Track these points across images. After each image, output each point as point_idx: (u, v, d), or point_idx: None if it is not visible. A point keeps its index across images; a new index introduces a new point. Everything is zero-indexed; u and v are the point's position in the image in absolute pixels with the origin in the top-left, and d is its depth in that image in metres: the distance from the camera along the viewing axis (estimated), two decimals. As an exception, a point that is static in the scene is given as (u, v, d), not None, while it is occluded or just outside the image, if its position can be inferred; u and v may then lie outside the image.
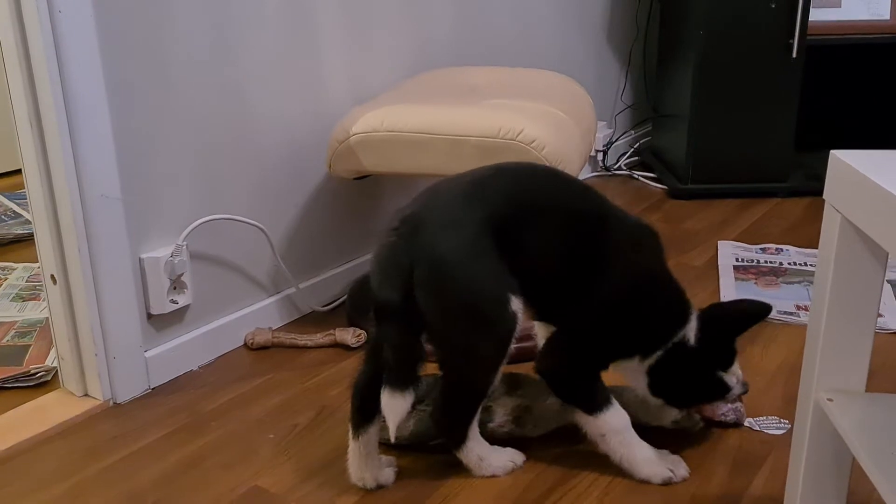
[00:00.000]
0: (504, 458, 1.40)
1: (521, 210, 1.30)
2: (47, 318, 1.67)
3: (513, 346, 1.30)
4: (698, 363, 1.38)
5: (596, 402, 1.35)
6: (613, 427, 1.36)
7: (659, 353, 1.36)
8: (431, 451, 1.43)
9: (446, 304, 1.26)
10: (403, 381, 1.25)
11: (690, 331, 1.37)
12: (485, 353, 1.29)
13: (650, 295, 1.35)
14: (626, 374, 1.41)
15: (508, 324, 1.27)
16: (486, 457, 1.39)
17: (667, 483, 1.37)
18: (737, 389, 1.42)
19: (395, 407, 1.25)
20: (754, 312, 1.40)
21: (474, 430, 1.37)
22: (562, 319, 1.37)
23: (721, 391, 1.41)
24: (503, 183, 1.32)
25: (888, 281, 2.10)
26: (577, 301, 1.33)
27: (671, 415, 1.47)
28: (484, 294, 1.26)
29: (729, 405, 1.51)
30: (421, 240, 1.25)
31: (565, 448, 1.46)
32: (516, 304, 1.28)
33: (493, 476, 1.39)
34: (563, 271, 1.32)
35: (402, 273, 1.24)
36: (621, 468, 1.38)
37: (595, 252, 1.32)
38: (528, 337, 1.74)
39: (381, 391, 1.26)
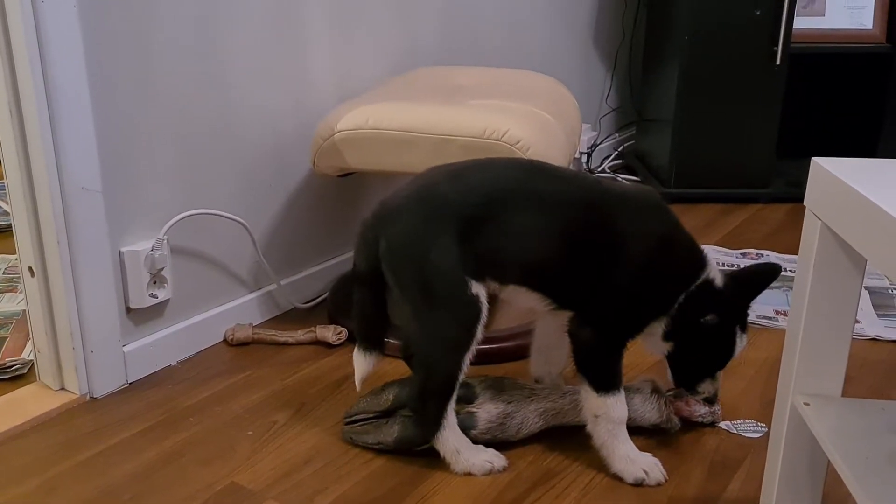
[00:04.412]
0: (482, 458, 1.40)
1: (499, 200, 1.32)
2: (24, 311, 1.65)
3: (480, 334, 1.33)
4: (723, 308, 1.38)
5: (608, 382, 1.36)
6: (610, 414, 1.36)
7: (683, 295, 1.37)
8: (415, 454, 1.43)
9: (402, 280, 1.34)
10: (366, 343, 1.43)
11: (715, 273, 1.38)
12: (447, 334, 1.33)
13: (668, 259, 1.36)
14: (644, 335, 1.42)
15: (469, 307, 1.32)
16: (463, 451, 1.39)
17: (638, 484, 1.37)
18: (710, 389, 1.45)
19: (358, 363, 1.44)
20: (769, 271, 1.42)
21: (451, 420, 1.38)
22: (585, 304, 1.37)
23: (729, 349, 1.41)
24: (483, 175, 1.36)
25: (866, 287, 2.12)
26: (597, 284, 1.34)
27: (651, 417, 1.48)
28: (436, 272, 1.31)
29: (706, 407, 1.52)
30: (387, 218, 1.35)
31: (545, 448, 1.46)
32: (476, 288, 1.32)
33: (470, 474, 1.39)
34: (570, 258, 1.34)
35: (369, 247, 1.36)
36: (599, 455, 1.40)
37: (603, 236, 1.34)
38: (510, 337, 1.75)
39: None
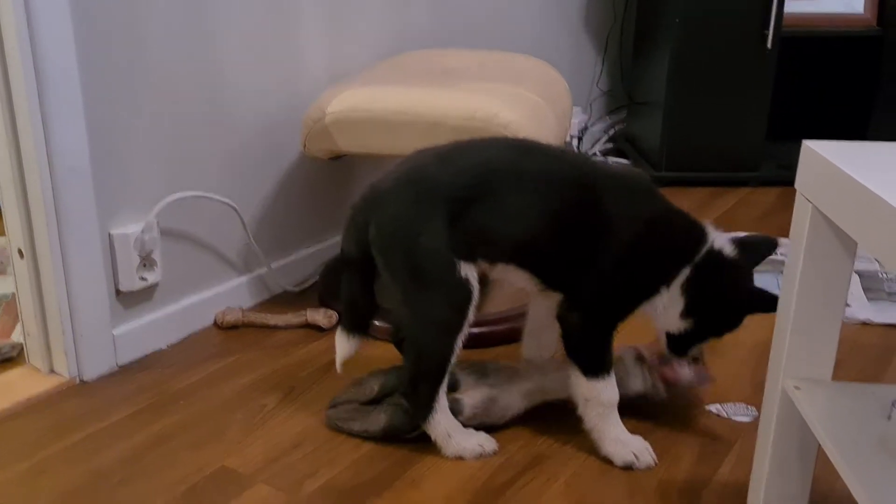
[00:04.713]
0: (473, 442, 1.40)
1: (489, 179, 1.32)
2: (14, 293, 1.64)
3: (472, 316, 1.33)
4: (740, 272, 1.40)
5: (597, 367, 1.36)
6: (599, 398, 1.37)
7: (686, 269, 1.37)
8: (404, 441, 1.43)
9: (393, 264, 1.34)
10: (350, 325, 1.43)
11: (722, 243, 1.39)
12: (438, 316, 1.33)
13: (656, 239, 1.36)
14: (655, 313, 1.41)
15: (459, 289, 1.32)
16: (454, 434, 1.39)
17: (628, 467, 1.38)
18: (697, 350, 1.47)
19: (340, 344, 1.44)
20: (770, 242, 1.48)
21: (442, 403, 1.37)
22: (574, 286, 1.37)
23: (740, 315, 1.42)
24: (472, 154, 1.36)
25: (856, 271, 2.12)
26: (584, 263, 1.34)
27: (635, 386, 1.47)
28: (427, 256, 1.31)
29: (691, 371, 1.50)
30: (376, 202, 1.35)
31: (535, 432, 1.47)
32: (466, 269, 1.32)
33: (460, 458, 1.39)
34: (556, 235, 1.33)
35: (359, 231, 1.36)
36: (589, 439, 1.40)
37: (590, 215, 1.34)
38: (501, 320, 1.75)
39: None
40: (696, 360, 1.50)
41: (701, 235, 1.39)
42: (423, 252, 1.31)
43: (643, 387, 1.48)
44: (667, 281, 1.37)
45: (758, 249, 1.45)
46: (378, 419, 1.43)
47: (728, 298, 1.39)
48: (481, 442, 1.41)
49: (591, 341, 1.37)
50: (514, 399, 1.45)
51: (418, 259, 1.32)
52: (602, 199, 1.34)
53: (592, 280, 1.35)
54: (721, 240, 1.40)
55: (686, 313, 1.39)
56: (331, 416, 1.49)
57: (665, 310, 1.39)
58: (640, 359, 1.50)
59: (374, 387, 1.44)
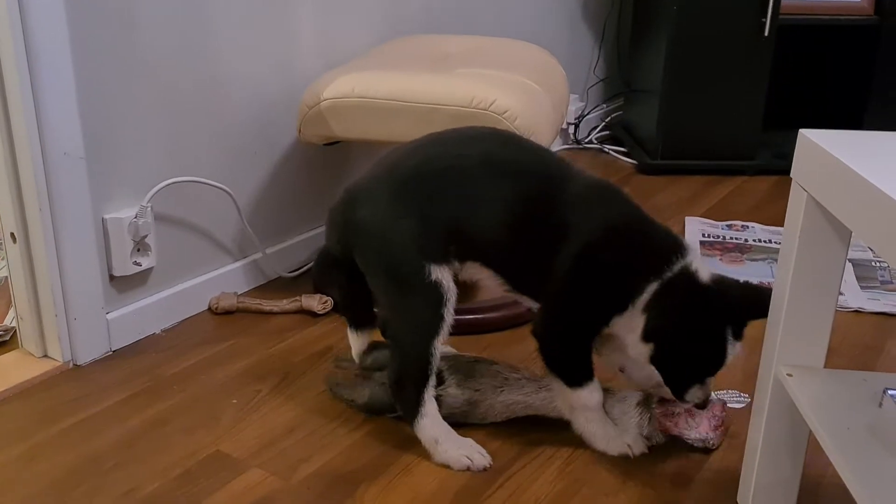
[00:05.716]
0: (461, 452, 1.36)
1: (456, 173, 1.31)
2: (6, 277, 1.64)
3: (449, 317, 1.31)
4: (708, 305, 1.26)
5: (577, 377, 1.34)
6: (584, 404, 1.35)
7: (653, 286, 1.26)
8: (400, 421, 1.43)
9: (369, 264, 1.36)
10: (354, 320, 1.47)
11: (699, 266, 1.27)
12: (415, 318, 1.32)
13: (619, 245, 1.28)
14: (622, 335, 1.31)
15: (433, 290, 1.30)
16: (441, 441, 1.35)
17: (625, 457, 1.38)
18: (699, 396, 1.32)
19: (352, 341, 1.48)
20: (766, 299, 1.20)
21: (430, 407, 1.35)
22: (539, 292, 1.34)
23: (718, 354, 1.27)
24: (441, 149, 1.35)
25: (850, 260, 2.13)
26: (547, 269, 1.29)
27: (629, 430, 1.39)
28: (399, 257, 1.31)
29: (696, 432, 1.38)
30: (351, 203, 1.35)
31: (528, 417, 1.47)
32: (438, 272, 1.30)
33: (447, 466, 1.35)
34: (520, 238, 1.30)
35: (339, 232, 1.38)
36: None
37: (551, 215, 1.29)
38: (492, 308, 1.75)
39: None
40: (699, 407, 1.35)
41: (676, 251, 1.27)
42: (396, 252, 1.31)
43: (636, 434, 1.38)
44: (632, 297, 1.27)
45: (756, 296, 1.25)
46: (363, 392, 1.45)
47: (684, 322, 1.26)
48: (469, 454, 1.35)
49: (564, 355, 1.34)
50: (495, 407, 1.42)
51: (391, 259, 1.31)
52: (565, 201, 1.29)
53: (551, 288, 1.30)
54: (699, 262, 1.29)
55: (646, 336, 1.27)
56: (329, 379, 1.51)
57: (627, 332, 1.29)
58: (643, 403, 1.39)
59: (367, 359, 1.46)
